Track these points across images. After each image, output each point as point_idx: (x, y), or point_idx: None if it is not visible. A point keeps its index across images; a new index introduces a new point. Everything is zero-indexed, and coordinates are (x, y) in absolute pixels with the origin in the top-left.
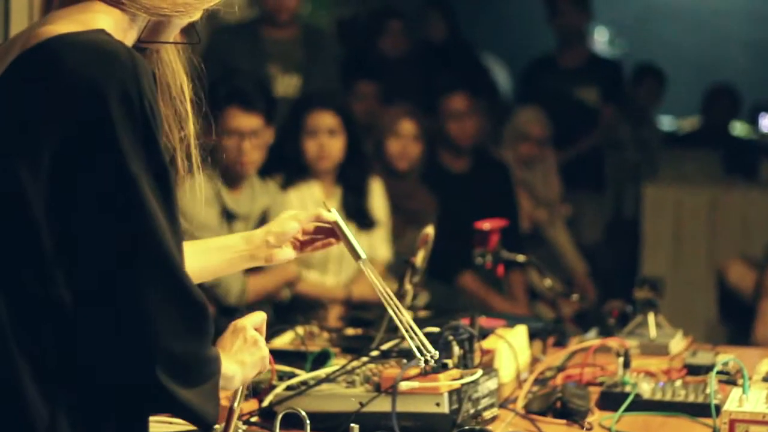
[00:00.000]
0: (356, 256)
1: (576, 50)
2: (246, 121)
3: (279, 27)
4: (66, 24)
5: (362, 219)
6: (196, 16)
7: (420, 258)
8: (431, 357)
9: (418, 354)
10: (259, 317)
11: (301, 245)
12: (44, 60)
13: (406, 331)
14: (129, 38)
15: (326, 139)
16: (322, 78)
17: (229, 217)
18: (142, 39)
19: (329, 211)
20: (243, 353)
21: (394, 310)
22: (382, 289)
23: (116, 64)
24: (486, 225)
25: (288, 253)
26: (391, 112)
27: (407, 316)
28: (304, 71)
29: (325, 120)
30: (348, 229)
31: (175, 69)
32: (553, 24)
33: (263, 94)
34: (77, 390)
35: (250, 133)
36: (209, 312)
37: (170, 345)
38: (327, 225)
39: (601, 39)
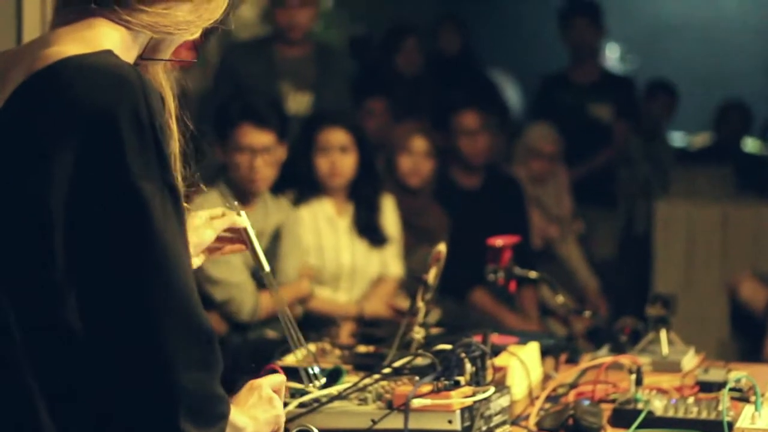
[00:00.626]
0: (260, 267)
1: (588, 66)
2: (258, 138)
3: (291, 45)
4: (72, 45)
5: (374, 235)
6: (196, 34)
7: (432, 275)
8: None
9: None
10: (278, 379)
11: (209, 250)
12: (53, 85)
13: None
14: (131, 55)
15: (338, 156)
16: (333, 95)
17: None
18: (142, 56)
19: (239, 215)
20: (256, 409)
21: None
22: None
23: (126, 87)
24: (498, 241)
25: (198, 260)
26: (403, 128)
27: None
28: (316, 89)
29: (337, 137)
30: (255, 238)
31: (163, 86)
32: (566, 40)
33: (276, 111)
34: (89, 416)
35: (263, 150)
36: (217, 342)
37: (181, 374)
38: (237, 230)
39: (612, 55)
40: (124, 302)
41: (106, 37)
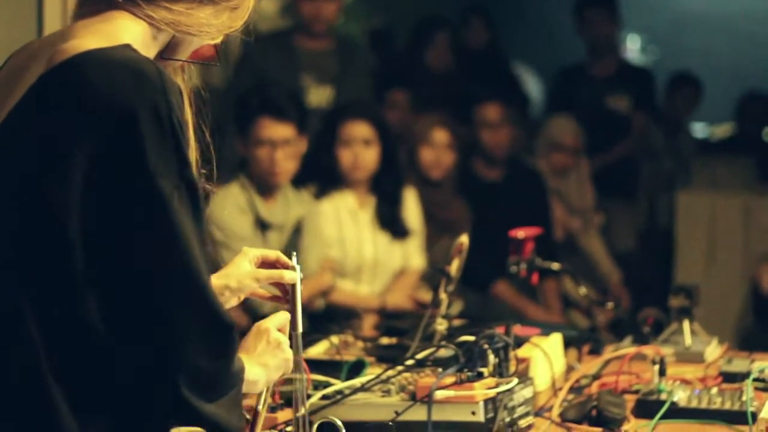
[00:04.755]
0: (294, 326)
1: (606, 59)
2: (278, 130)
3: (313, 37)
4: (92, 38)
5: (396, 228)
6: (217, 39)
7: (454, 267)
8: None
9: None
10: (283, 318)
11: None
12: (72, 79)
13: None
14: (151, 53)
15: (361, 149)
16: (354, 88)
17: (263, 226)
18: (162, 55)
19: (294, 268)
20: (266, 355)
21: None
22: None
23: (145, 82)
24: (520, 233)
25: (232, 301)
26: (424, 121)
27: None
28: (338, 82)
29: (361, 130)
30: (300, 298)
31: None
32: (583, 33)
33: (295, 103)
34: (108, 411)
35: (282, 142)
36: (235, 331)
37: (197, 363)
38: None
39: (633, 47)
40: (142, 295)
41: (127, 31)
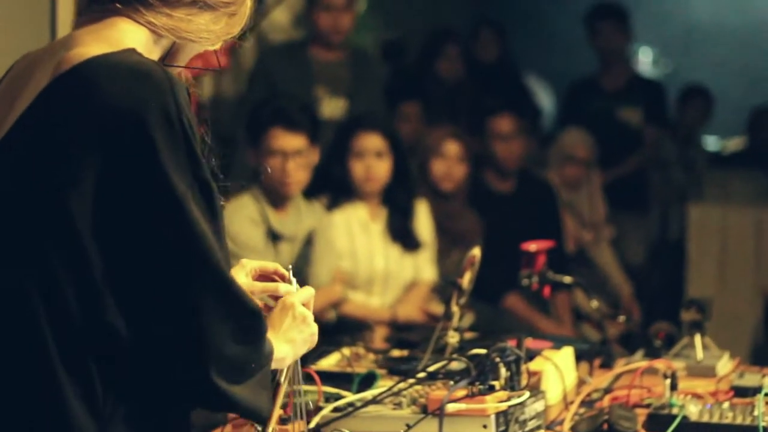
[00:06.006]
0: None
1: (618, 71)
2: (290, 141)
3: (328, 49)
4: (96, 45)
5: (408, 240)
6: (216, 45)
7: (466, 280)
8: None
9: None
10: (308, 293)
11: None
12: (80, 86)
13: None
14: (154, 57)
15: (373, 160)
16: (367, 100)
17: (274, 238)
18: (163, 61)
19: (289, 281)
20: (292, 331)
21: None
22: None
23: (153, 84)
24: (532, 246)
25: None
26: (436, 133)
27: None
28: (351, 93)
29: (373, 142)
30: None
31: None
32: (594, 45)
33: (307, 114)
34: (131, 413)
35: (294, 152)
36: (262, 316)
37: (226, 351)
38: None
39: (645, 59)
40: (164, 293)
41: (129, 36)
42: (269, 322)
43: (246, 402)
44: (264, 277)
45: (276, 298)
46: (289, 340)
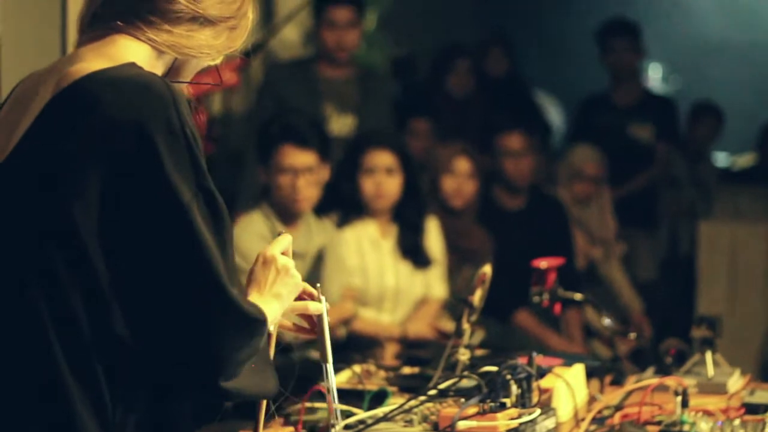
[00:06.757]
0: (323, 358)
1: (629, 87)
2: (300, 158)
3: (335, 66)
4: (97, 60)
5: (418, 257)
6: (217, 60)
7: (477, 297)
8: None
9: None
10: (285, 240)
11: None
12: (82, 100)
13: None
14: (157, 73)
15: (384, 177)
16: (376, 117)
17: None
18: (165, 78)
19: (318, 299)
20: (278, 285)
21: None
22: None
23: (154, 95)
24: (543, 263)
25: None
26: (446, 149)
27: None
28: (359, 110)
29: (383, 159)
30: (327, 329)
31: None
32: (606, 62)
33: (317, 130)
34: (139, 422)
35: (305, 169)
36: (263, 319)
37: (230, 356)
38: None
39: (655, 76)
40: (167, 304)
41: (130, 52)
42: (253, 278)
43: (251, 388)
44: None
45: (308, 317)
46: (275, 295)
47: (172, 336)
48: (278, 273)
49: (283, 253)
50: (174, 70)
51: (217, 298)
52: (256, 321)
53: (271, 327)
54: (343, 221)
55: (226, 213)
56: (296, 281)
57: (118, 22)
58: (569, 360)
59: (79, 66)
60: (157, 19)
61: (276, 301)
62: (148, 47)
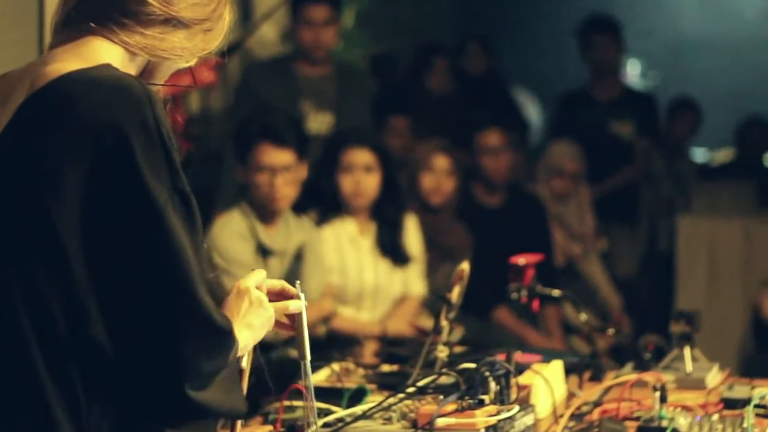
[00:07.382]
0: (302, 355)
1: (609, 83)
2: (278, 156)
3: (313, 64)
4: (71, 61)
5: (397, 255)
6: (191, 61)
7: (456, 294)
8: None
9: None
10: (260, 275)
11: None
12: (57, 100)
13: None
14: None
15: (362, 175)
16: (354, 114)
17: (264, 253)
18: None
19: (298, 297)
20: (250, 316)
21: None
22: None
23: (130, 96)
24: (521, 260)
25: None
26: (425, 147)
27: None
28: (338, 108)
29: (362, 156)
30: (306, 326)
31: None
32: (586, 57)
33: (294, 129)
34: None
35: (282, 168)
36: (232, 332)
37: (197, 366)
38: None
39: (633, 71)
40: (140, 306)
41: (105, 53)
42: (226, 307)
43: (219, 404)
44: (271, 295)
45: (288, 315)
46: (247, 325)
47: (140, 337)
48: (251, 304)
49: (257, 287)
50: (148, 72)
51: (187, 302)
52: (223, 331)
53: (244, 363)
54: (322, 219)
55: (198, 215)
56: (269, 314)
57: (91, 24)
58: (548, 356)
59: (54, 66)
60: (130, 21)
61: (247, 330)
62: (122, 49)
